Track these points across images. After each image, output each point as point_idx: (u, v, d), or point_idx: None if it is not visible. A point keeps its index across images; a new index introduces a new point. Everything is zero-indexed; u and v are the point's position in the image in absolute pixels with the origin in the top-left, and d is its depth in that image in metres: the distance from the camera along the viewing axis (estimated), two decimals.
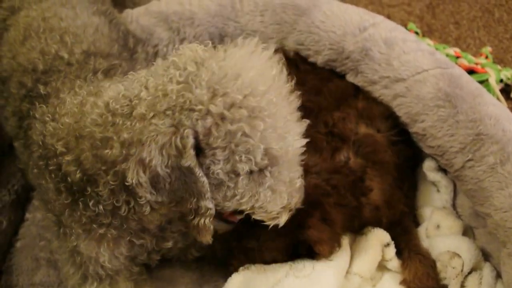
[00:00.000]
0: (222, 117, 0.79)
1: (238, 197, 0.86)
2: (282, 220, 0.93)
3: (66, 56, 1.05)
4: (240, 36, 1.09)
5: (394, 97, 1.17)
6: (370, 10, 1.29)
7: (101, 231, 0.94)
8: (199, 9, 1.33)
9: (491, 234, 1.10)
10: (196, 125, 0.79)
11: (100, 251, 0.97)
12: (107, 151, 0.82)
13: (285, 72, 0.87)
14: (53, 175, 0.92)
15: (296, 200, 0.92)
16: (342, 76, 1.26)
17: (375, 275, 1.15)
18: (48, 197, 0.96)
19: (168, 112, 0.79)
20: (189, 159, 0.79)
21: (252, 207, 0.89)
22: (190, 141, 0.78)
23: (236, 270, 1.09)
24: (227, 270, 1.12)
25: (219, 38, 1.34)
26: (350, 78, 1.24)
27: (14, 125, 1.07)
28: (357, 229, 1.15)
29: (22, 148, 1.06)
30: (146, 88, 0.82)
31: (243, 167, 0.82)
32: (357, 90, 1.24)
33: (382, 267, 1.16)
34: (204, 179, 0.82)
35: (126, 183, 0.81)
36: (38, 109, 0.99)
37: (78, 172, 0.87)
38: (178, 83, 0.80)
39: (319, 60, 1.25)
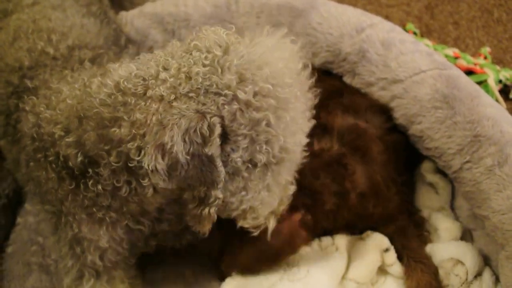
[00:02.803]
0: (248, 104, 0.77)
1: (244, 192, 0.84)
2: (271, 226, 0.91)
3: (51, 51, 1.05)
4: None
5: (392, 99, 1.17)
6: (368, 10, 1.29)
7: (100, 214, 0.92)
8: (194, 10, 1.32)
9: (490, 236, 1.09)
10: (222, 110, 0.77)
11: (101, 233, 0.95)
12: (114, 129, 0.80)
13: (309, 67, 0.85)
14: (53, 165, 0.90)
15: (283, 207, 0.90)
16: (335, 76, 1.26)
17: (378, 279, 1.14)
18: (48, 188, 0.95)
19: (192, 95, 0.77)
20: (213, 148, 0.77)
21: (246, 209, 0.88)
22: (218, 129, 0.76)
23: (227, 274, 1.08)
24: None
25: None
26: (347, 80, 1.23)
27: (1, 124, 1.06)
28: (347, 224, 1.13)
29: (10, 145, 1.05)
30: (166, 69, 0.79)
31: (261, 158, 0.80)
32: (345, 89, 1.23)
33: (385, 271, 1.15)
34: (222, 168, 0.80)
35: (130, 164, 0.80)
36: (28, 101, 0.98)
37: (79, 154, 0.85)
38: (204, 65, 0.78)
39: (316, 62, 1.24)
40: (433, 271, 1.11)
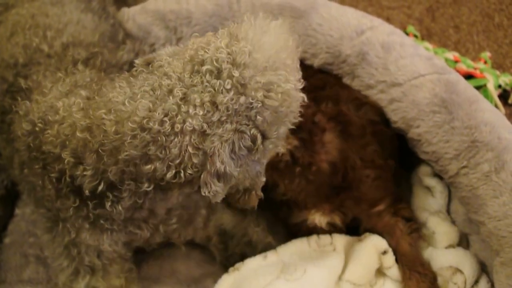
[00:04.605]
0: (276, 107, 0.80)
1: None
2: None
3: (46, 48, 1.04)
4: None
5: (390, 102, 1.16)
6: (369, 12, 1.28)
7: (107, 225, 0.93)
8: (196, 8, 1.32)
9: (485, 242, 1.09)
10: (256, 121, 0.79)
11: (103, 238, 0.96)
12: (147, 166, 0.80)
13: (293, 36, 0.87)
14: (54, 180, 0.89)
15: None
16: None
17: (377, 281, 1.14)
18: (44, 195, 0.94)
19: (224, 119, 0.78)
20: (259, 153, 0.81)
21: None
22: (259, 138, 0.80)
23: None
24: (217, 271, 1.12)
25: None
26: (346, 81, 1.22)
27: None
28: (319, 192, 1.13)
29: (5, 143, 1.04)
30: (186, 101, 0.78)
31: (286, 128, 0.86)
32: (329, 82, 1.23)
33: (384, 273, 1.15)
34: (265, 161, 0.85)
35: (161, 183, 0.82)
36: (21, 105, 0.97)
37: (100, 183, 0.85)
38: (228, 91, 0.78)
39: (316, 63, 1.24)
40: (430, 279, 1.11)
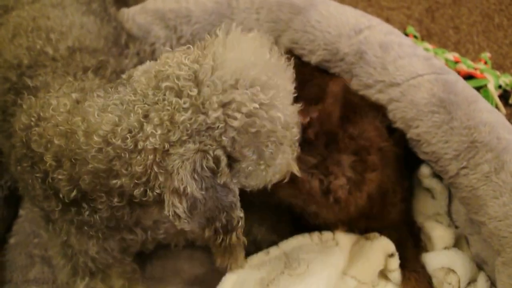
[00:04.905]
0: (244, 126, 0.77)
1: (264, 171, 0.84)
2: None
3: (50, 51, 1.04)
4: None
5: (389, 102, 1.16)
6: (369, 13, 1.27)
7: (92, 232, 0.92)
8: (196, 6, 1.32)
9: (486, 242, 1.09)
10: (221, 141, 0.76)
11: (90, 246, 0.95)
12: (113, 181, 0.80)
13: (275, 49, 0.84)
14: (39, 181, 0.89)
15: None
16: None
17: (379, 283, 1.14)
18: (35, 194, 0.94)
19: (185, 138, 0.76)
20: (224, 176, 0.77)
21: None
22: (224, 159, 0.77)
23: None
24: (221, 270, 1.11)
25: None
26: None
27: None
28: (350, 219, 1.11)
29: (4, 140, 1.04)
30: (146, 116, 0.77)
31: (271, 149, 0.80)
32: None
33: (387, 277, 1.15)
34: (236, 188, 0.81)
35: (134, 200, 0.80)
36: (27, 99, 0.97)
37: (73, 190, 0.84)
38: (185, 110, 0.76)
39: (313, 60, 1.23)
40: (427, 279, 1.11)
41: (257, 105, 0.76)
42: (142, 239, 1.01)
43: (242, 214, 0.82)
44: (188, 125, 0.75)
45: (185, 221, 0.78)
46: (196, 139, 0.76)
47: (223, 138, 0.76)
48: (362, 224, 1.15)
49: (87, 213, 0.87)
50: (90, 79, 1.01)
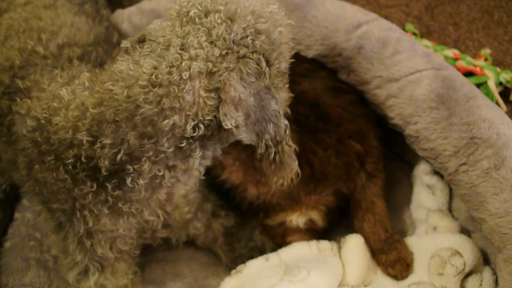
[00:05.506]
0: (268, 29, 0.86)
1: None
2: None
3: (41, 50, 1.05)
4: None
5: (387, 98, 1.15)
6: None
7: (126, 207, 0.94)
8: None
9: (487, 239, 1.08)
10: (255, 45, 0.84)
11: (120, 222, 0.97)
12: (165, 121, 0.83)
13: None
14: (70, 167, 0.90)
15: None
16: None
17: (371, 280, 1.14)
18: (58, 188, 0.94)
19: (225, 52, 0.83)
20: (267, 76, 0.85)
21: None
22: (263, 61, 0.85)
23: None
24: (221, 274, 1.12)
25: None
26: (342, 76, 1.21)
27: None
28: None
29: (5, 146, 1.05)
30: (185, 49, 0.83)
31: (285, 65, 0.92)
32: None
33: (375, 271, 1.16)
34: (277, 94, 0.88)
35: (180, 145, 0.86)
36: (22, 104, 0.98)
37: (119, 153, 0.86)
38: (219, 24, 0.83)
39: (310, 55, 1.22)
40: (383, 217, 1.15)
41: (274, 7, 0.88)
42: (160, 226, 1.05)
43: (286, 122, 0.89)
44: (226, 37, 0.83)
45: (244, 130, 0.84)
46: (234, 49, 0.83)
47: (255, 42, 0.84)
48: (312, 196, 1.16)
49: (129, 179, 0.89)
50: (76, 66, 1.03)
